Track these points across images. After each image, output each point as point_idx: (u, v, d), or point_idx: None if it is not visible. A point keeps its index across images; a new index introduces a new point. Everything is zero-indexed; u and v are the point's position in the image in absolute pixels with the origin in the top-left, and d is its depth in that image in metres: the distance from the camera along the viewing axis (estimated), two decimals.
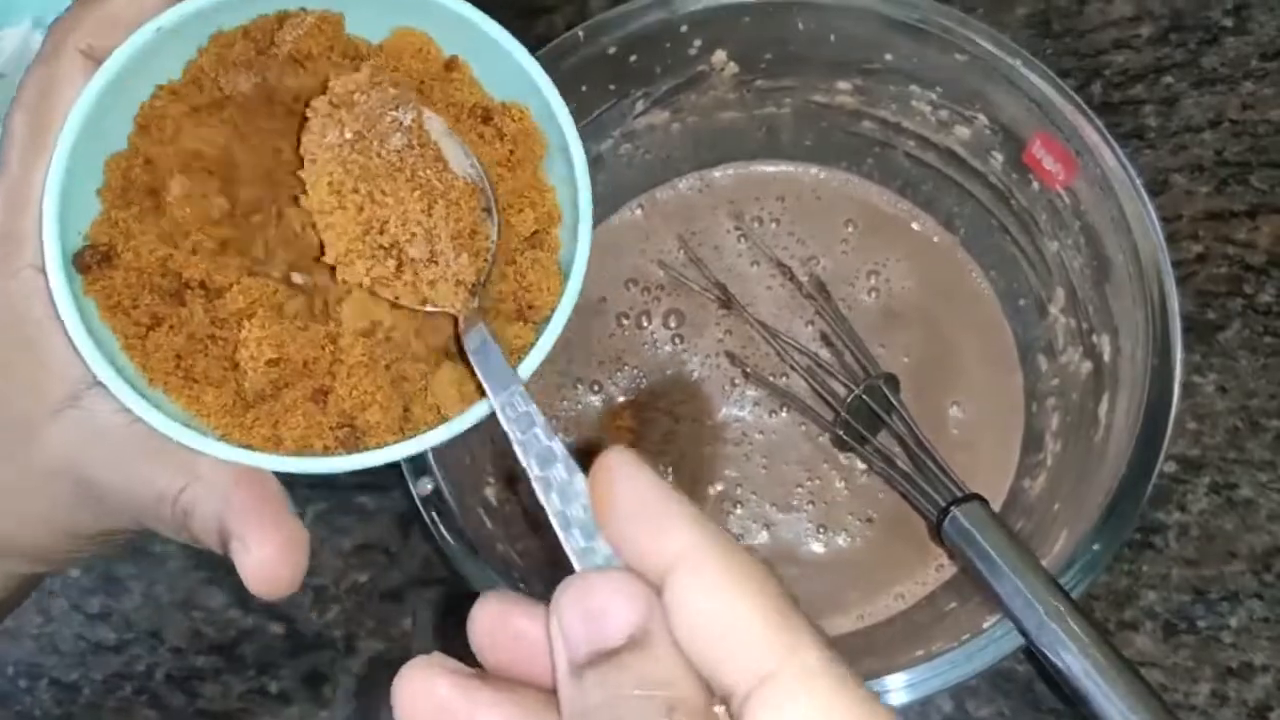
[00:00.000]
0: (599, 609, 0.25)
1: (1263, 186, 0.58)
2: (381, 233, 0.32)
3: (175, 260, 0.32)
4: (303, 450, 0.32)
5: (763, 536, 0.52)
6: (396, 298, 0.33)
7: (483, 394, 0.31)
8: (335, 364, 0.32)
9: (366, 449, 0.32)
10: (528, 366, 0.32)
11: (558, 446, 0.28)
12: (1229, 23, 0.60)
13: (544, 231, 0.34)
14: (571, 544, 0.26)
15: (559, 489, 0.27)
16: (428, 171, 0.33)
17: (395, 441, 0.31)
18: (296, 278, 0.33)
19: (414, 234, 0.32)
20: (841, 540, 0.51)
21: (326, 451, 0.32)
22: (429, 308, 0.33)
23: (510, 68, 0.33)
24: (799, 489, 0.52)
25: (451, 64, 0.34)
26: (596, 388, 0.54)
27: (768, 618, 0.24)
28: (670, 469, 0.52)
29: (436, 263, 0.33)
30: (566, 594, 0.25)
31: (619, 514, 0.26)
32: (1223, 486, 0.54)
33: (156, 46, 0.32)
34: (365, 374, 0.32)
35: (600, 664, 0.24)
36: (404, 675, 0.25)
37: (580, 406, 0.54)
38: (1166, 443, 0.40)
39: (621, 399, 0.54)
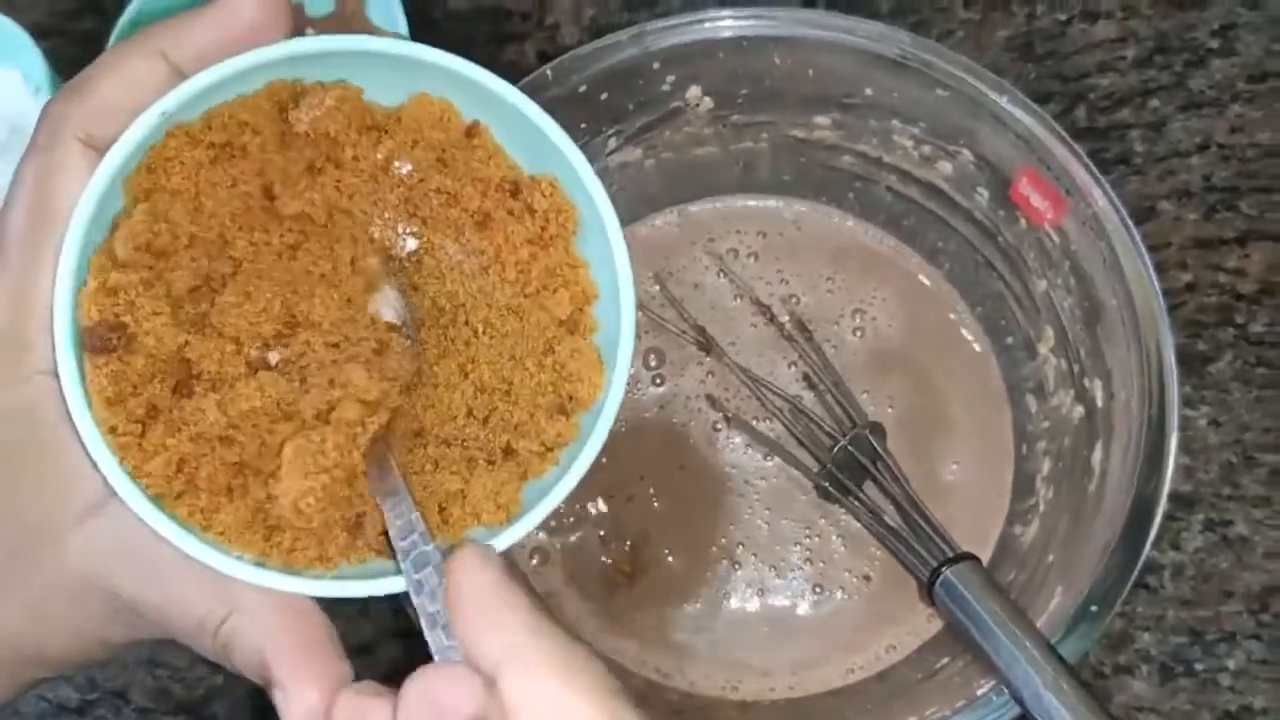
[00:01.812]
0: (439, 700, 0.27)
1: (1252, 212, 0.57)
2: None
3: (192, 347, 0.29)
4: (341, 567, 0.30)
5: (754, 604, 0.50)
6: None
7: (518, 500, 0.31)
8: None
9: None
10: (581, 465, 0.30)
11: (433, 551, 0.29)
12: (1215, 44, 0.59)
13: (579, 311, 0.32)
14: (435, 642, 0.28)
15: (429, 591, 0.29)
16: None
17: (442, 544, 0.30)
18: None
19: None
20: (838, 596, 0.50)
21: (362, 562, 0.30)
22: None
23: (533, 136, 0.31)
24: (796, 547, 0.50)
25: (473, 130, 0.32)
26: None
27: (596, 713, 0.26)
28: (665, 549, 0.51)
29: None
30: (412, 685, 0.28)
31: (459, 609, 0.28)
32: (1217, 524, 0.53)
33: (159, 131, 0.29)
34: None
35: None
36: None
37: None
38: (1163, 504, 0.39)
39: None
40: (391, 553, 0.30)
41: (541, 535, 0.51)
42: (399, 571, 0.29)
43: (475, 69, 0.31)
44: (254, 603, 0.29)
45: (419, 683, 0.28)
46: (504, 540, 0.30)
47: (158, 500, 0.29)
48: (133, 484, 0.28)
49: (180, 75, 0.29)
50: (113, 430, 0.28)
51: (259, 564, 0.29)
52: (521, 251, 0.32)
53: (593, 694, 0.27)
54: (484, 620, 0.28)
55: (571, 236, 0.32)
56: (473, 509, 0.30)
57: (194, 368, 0.29)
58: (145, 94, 0.29)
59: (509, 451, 0.31)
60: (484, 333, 0.32)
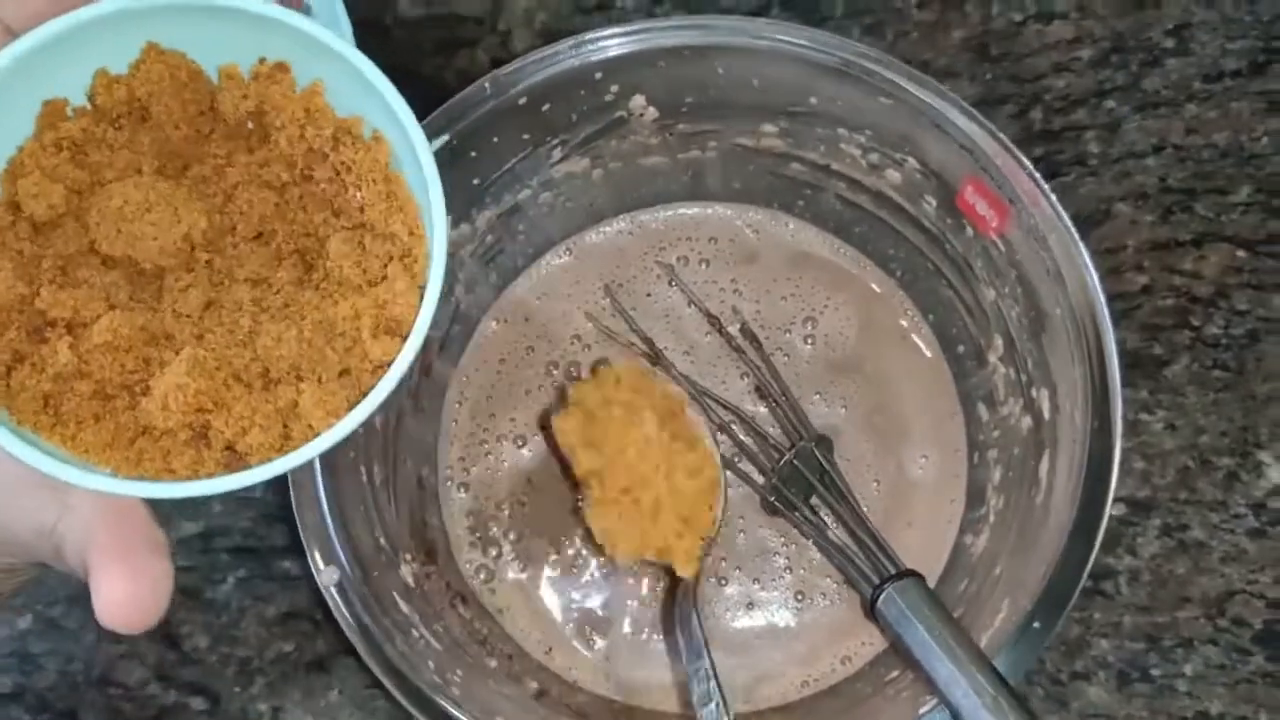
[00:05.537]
0: None
1: (1208, 214, 0.56)
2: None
3: (42, 299, 0.31)
4: (188, 478, 0.32)
5: (745, 620, 0.49)
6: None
7: (349, 409, 0.32)
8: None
9: (249, 468, 0.32)
10: (390, 380, 0.32)
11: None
12: (1170, 44, 0.58)
13: (396, 243, 0.34)
14: None
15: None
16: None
17: (277, 457, 0.32)
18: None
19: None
20: (821, 604, 0.49)
21: (209, 476, 0.32)
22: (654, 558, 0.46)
23: (356, 81, 0.33)
24: (776, 556, 0.50)
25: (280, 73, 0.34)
26: (521, 443, 0.52)
27: None
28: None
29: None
30: None
31: None
32: (1174, 528, 0.53)
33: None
34: (244, 403, 0.32)
35: None
36: None
37: (505, 462, 0.52)
38: (1105, 519, 0.38)
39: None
40: (231, 463, 0.32)
41: (494, 555, 0.51)
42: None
43: (301, 20, 0.32)
44: (83, 503, 0.31)
45: None
46: (327, 439, 0.32)
47: (27, 432, 0.31)
48: None
49: (12, 35, 0.31)
50: None
51: (109, 475, 0.31)
52: (354, 194, 0.34)
53: None
54: None
55: (400, 183, 0.34)
56: (305, 419, 0.32)
57: (47, 316, 0.32)
58: None
59: (344, 372, 0.33)
60: (317, 271, 0.34)
